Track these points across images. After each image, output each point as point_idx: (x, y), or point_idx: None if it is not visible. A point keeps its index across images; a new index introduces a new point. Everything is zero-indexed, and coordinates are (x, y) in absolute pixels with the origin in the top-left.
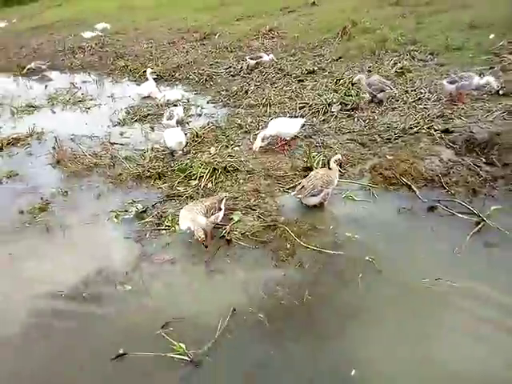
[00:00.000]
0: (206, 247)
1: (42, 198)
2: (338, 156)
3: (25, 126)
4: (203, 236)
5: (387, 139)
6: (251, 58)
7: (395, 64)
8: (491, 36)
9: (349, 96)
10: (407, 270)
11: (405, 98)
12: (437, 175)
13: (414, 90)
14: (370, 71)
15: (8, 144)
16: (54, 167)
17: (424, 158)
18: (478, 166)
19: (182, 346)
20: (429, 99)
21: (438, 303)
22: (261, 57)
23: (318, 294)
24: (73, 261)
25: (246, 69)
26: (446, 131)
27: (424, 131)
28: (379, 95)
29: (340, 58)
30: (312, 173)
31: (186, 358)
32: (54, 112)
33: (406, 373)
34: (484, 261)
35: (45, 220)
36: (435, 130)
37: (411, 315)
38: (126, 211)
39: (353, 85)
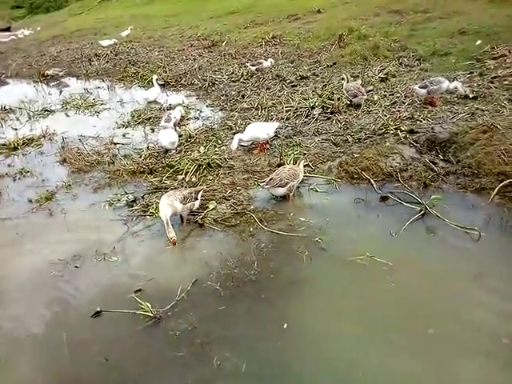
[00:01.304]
0: (174, 244)
1: (47, 190)
2: (303, 161)
3: (39, 128)
4: (174, 237)
5: (358, 139)
6: (252, 65)
7: (382, 70)
8: (478, 42)
9: (331, 100)
10: (348, 249)
11: (381, 102)
12: (395, 171)
13: (392, 95)
14: (357, 77)
15: (23, 144)
16: (61, 164)
17: (387, 155)
18: (435, 163)
19: (148, 305)
20: (404, 103)
21: (367, 276)
22: (260, 63)
23: (268, 268)
24: (70, 238)
25: (246, 74)
26: (411, 131)
27: (392, 132)
28: (354, 100)
29: (334, 63)
30: (280, 168)
31: (150, 314)
32: (68, 116)
33: (327, 328)
34: (418, 244)
35: (49, 207)
36: (401, 131)
37: (342, 284)
38: (119, 200)
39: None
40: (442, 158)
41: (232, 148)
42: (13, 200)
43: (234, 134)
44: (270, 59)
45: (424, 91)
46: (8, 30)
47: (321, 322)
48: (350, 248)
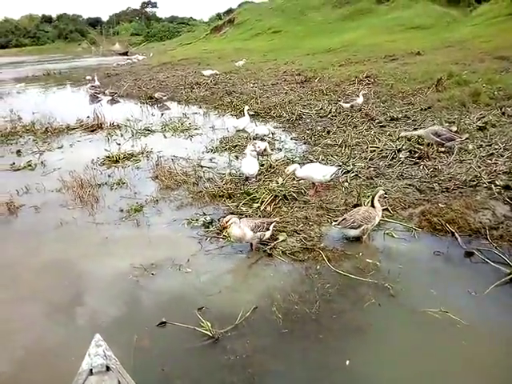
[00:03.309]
0: (222, 229)
1: (137, 202)
2: (381, 192)
3: (139, 146)
4: (226, 224)
5: (445, 188)
6: (345, 102)
7: (481, 118)
8: None
9: (420, 145)
10: (420, 300)
11: (477, 152)
12: (484, 227)
13: (490, 145)
14: (453, 122)
15: (124, 158)
16: (153, 180)
17: (477, 210)
18: None
19: (209, 324)
20: (502, 155)
21: (436, 331)
22: (354, 99)
23: (330, 309)
24: (150, 248)
25: (334, 111)
26: (507, 187)
27: (485, 185)
28: (448, 144)
29: (429, 107)
30: (355, 209)
31: (209, 334)
32: (165, 136)
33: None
34: (500, 308)
35: (137, 218)
36: (495, 185)
37: (408, 336)
38: (197, 220)
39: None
40: None
41: (286, 172)
42: (108, 207)
43: None
44: (361, 92)
45: None
46: (126, 54)
47: (380, 372)
48: (422, 300)
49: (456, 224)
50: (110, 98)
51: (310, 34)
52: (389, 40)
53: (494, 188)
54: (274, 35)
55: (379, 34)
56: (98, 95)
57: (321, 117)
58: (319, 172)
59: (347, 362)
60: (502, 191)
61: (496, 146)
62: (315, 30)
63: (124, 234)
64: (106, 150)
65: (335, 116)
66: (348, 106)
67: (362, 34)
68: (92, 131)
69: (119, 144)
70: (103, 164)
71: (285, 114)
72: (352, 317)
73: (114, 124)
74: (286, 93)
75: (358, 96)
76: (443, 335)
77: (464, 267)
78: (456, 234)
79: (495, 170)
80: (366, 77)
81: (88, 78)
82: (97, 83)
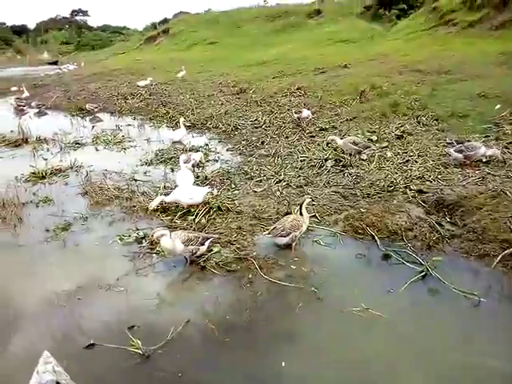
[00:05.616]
0: (152, 250)
1: (65, 221)
2: (308, 200)
3: (68, 160)
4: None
5: (367, 194)
6: (295, 112)
7: (399, 127)
8: (497, 106)
9: (345, 154)
10: (344, 300)
11: (394, 159)
12: (400, 229)
13: (406, 153)
14: (374, 132)
15: (51, 174)
16: (83, 196)
17: (394, 213)
18: (440, 225)
19: (139, 342)
20: (416, 162)
21: (361, 327)
22: (300, 112)
23: (261, 316)
24: (78, 269)
25: (268, 122)
26: (420, 191)
27: (401, 190)
28: (365, 150)
29: (354, 118)
30: (285, 217)
31: (140, 352)
32: (97, 150)
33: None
34: (415, 303)
35: (64, 237)
36: (410, 190)
37: (333, 335)
38: (129, 236)
39: (328, 144)
40: (448, 220)
41: (150, 206)
42: (32, 228)
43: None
44: (309, 111)
45: (460, 155)
46: (55, 63)
47: (312, 371)
48: (346, 300)
49: (376, 227)
50: (37, 110)
51: (244, 47)
52: (318, 53)
53: (408, 192)
54: (209, 46)
55: (310, 47)
56: (24, 108)
57: (256, 127)
58: (186, 195)
59: (283, 364)
60: (416, 195)
61: (411, 153)
62: (249, 43)
63: (49, 256)
64: (31, 165)
65: (269, 127)
66: (296, 116)
67: (293, 48)
68: (16, 146)
69: (46, 159)
70: (28, 181)
71: (221, 125)
72: (281, 323)
73: (41, 138)
74: (222, 104)
75: (308, 109)
76: (367, 329)
77: (383, 268)
78: (376, 237)
79: (410, 176)
80: (297, 89)
81: (13, 89)
82: (26, 94)
